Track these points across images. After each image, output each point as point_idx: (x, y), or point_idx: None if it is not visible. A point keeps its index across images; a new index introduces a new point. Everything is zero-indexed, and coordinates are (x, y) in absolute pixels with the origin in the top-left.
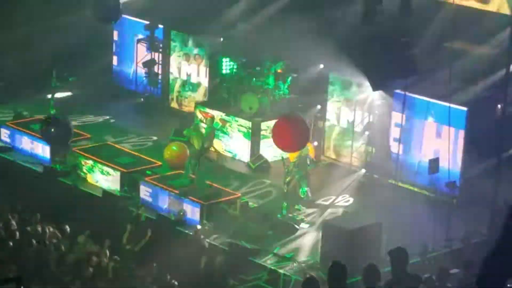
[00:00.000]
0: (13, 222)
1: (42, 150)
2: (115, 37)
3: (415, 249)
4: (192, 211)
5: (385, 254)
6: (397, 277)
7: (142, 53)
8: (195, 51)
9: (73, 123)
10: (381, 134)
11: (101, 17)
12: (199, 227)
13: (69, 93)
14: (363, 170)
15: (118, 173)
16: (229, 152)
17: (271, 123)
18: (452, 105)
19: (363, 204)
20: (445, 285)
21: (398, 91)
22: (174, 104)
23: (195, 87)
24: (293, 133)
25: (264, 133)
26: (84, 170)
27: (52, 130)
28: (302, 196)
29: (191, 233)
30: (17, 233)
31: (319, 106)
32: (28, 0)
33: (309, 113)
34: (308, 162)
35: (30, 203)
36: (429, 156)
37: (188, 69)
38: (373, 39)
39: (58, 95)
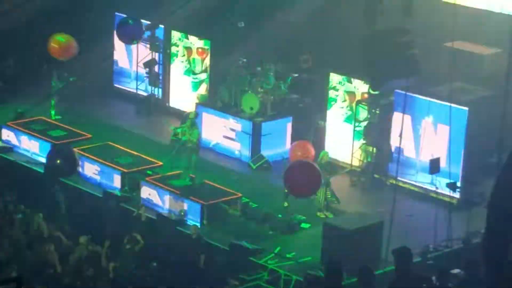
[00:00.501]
0: (14, 222)
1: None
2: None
3: (415, 249)
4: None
5: (385, 254)
6: (401, 276)
7: (142, 53)
8: (198, 44)
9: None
10: (382, 134)
11: (124, 38)
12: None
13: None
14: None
15: None
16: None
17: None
18: (453, 105)
19: (363, 204)
20: (445, 285)
21: (398, 90)
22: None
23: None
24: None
25: None
26: None
27: (58, 161)
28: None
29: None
30: (18, 233)
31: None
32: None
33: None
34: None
35: (31, 203)
36: (430, 156)
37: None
38: (374, 38)
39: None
